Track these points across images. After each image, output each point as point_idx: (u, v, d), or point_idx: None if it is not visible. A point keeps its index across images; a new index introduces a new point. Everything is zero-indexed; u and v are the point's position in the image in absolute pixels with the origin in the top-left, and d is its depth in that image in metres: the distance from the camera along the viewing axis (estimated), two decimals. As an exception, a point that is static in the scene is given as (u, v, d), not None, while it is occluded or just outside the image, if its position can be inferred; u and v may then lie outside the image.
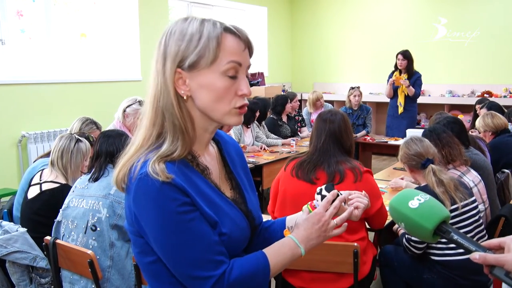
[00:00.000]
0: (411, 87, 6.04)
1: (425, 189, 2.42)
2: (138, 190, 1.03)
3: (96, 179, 2.37)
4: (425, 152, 2.53)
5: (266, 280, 1.11)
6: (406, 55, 6.06)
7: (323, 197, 1.18)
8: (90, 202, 2.32)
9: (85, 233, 2.29)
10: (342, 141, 2.38)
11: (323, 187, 1.21)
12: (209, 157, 1.19)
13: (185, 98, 1.08)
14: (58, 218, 2.42)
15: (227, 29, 1.06)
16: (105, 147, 2.43)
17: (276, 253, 1.12)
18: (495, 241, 0.96)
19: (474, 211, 2.44)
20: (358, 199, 1.23)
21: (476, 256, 0.94)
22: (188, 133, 1.08)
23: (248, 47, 1.10)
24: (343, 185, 2.28)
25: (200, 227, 1.05)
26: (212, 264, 1.04)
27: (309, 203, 1.21)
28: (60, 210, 2.42)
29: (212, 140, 1.24)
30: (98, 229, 2.27)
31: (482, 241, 2.40)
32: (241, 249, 1.18)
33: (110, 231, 2.26)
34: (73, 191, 2.45)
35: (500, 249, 0.94)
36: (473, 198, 2.47)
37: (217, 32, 1.04)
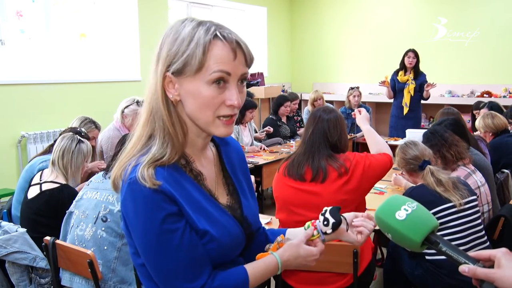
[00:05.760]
0: (426, 91, 5.84)
1: (422, 188, 2.45)
2: (126, 195, 1.04)
3: None
4: (421, 155, 2.57)
5: None
6: (416, 53, 5.95)
7: (326, 219, 1.16)
8: (104, 195, 2.35)
9: (94, 223, 2.30)
10: (329, 135, 2.36)
11: (328, 209, 1.18)
12: (206, 161, 1.17)
13: (174, 102, 1.05)
14: (71, 209, 2.44)
15: (216, 36, 1.01)
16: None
17: (258, 273, 1.12)
18: (485, 253, 0.94)
19: (473, 210, 2.44)
20: (363, 224, 1.21)
21: (465, 269, 0.92)
22: (177, 138, 1.06)
23: (244, 54, 1.04)
24: (326, 183, 2.29)
25: (182, 238, 1.03)
26: (190, 276, 1.04)
27: (312, 221, 1.19)
28: (74, 201, 2.45)
29: (211, 142, 1.22)
30: (109, 220, 2.29)
31: (481, 242, 2.42)
32: (234, 256, 1.16)
33: (121, 223, 2.27)
34: (88, 185, 2.48)
35: (489, 261, 0.92)
36: (473, 197, 2.47)
37: (206, 39, 1.00)
